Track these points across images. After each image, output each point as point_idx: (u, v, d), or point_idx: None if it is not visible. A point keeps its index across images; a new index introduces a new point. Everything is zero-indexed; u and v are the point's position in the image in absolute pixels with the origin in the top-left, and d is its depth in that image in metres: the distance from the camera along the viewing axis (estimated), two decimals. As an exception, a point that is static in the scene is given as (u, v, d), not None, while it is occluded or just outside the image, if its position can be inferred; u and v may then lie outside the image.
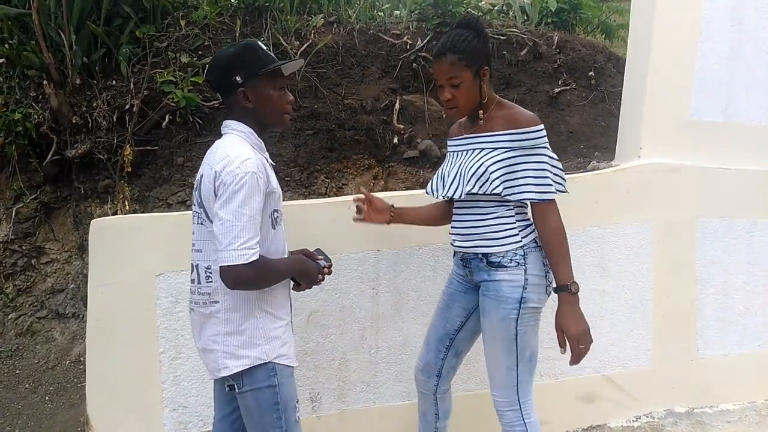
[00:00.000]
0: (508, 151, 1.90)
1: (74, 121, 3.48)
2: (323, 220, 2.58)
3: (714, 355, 2.97)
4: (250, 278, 1.63)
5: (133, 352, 2.45)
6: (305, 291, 1.97)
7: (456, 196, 1.98)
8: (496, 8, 4.84)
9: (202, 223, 1.75)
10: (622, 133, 3.11)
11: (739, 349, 2.99)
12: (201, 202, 1.74)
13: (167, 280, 2.46)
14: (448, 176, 2.03)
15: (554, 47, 4.58)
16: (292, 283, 1.90)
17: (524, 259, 1.94)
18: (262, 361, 1.70)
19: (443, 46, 1.92)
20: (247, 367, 1.70)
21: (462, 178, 1.96)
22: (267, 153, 1.85)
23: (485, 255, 1.98)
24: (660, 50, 2.92)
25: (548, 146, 1.94)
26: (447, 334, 2.16)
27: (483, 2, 4.84)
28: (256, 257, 1.61)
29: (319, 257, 1.93)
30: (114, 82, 3.62)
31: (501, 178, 1.89)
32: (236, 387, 1.72)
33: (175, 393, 2.48)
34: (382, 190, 3.79)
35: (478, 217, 1.99)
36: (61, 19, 3.46)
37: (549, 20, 4.98)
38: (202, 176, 1.74)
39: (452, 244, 2.11)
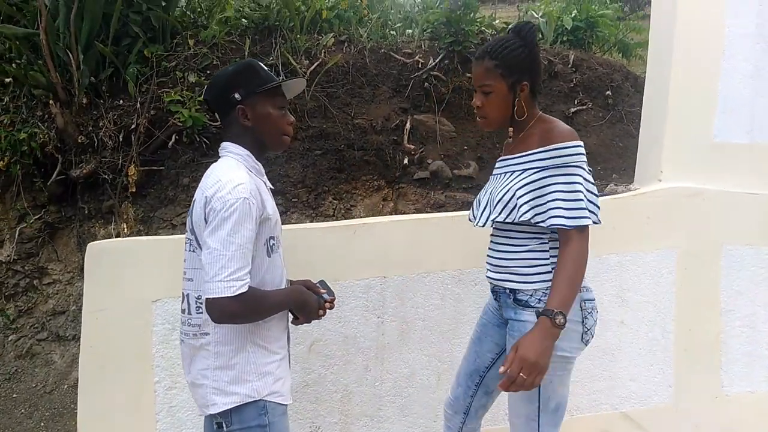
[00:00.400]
0: (538, 171, 1.70)
1: (80, 140, 3.44)
2: (327, 244, 2.48)
3: (740, 392, 2.79)
4: (236, 312, 1.53)
5: (127, 380, 2.36)
6: None
7: (486, 226, 1.82)
8: (510, 26, 4.75)
9: (193, 251, 1.66)
10: (641, 155, 2.98)
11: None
12: (192, 228, 1.65)
13: (164, 306, 2.37)
14: (482, 202, 1.87)
15: (570, 66, 4.47)
16: (291, 315, 1.79)
17: None
18: (253, 399, 1.60)
19: (484, 48, 1.78)
20: (237, 404, 1.59)
21: (491, 204, 1.80)
22: (266, 176, 1.77)
23: (512, 291, 1.79)
24: (681, 69, 2.80)
25: (584, 167, 1.70)
26: (477, 370, 1.98)
27: (497, 21, 4.76)
28: (244, 289, 1.51)
29: (322, 290, 1.82)
30: (121, 101, 3.58)
31: (530, 203, 1.69)
32: (224, 425, 1.62)
33: (170, 425, 2.38)
34: (391, 212, 3.69)
35: (509, 248, 1.80)
36: (69, 38, 3.44)
37: (564, 38, 4.88)
38: (194, 201, 1.66)
39: (486, 274, 1.94)
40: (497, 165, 1.90)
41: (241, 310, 1.53)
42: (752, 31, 2.82)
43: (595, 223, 1.71)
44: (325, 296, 1.80)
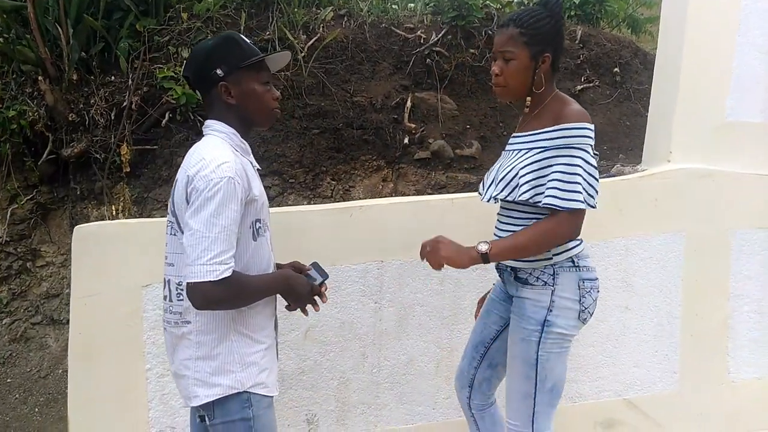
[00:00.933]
0: (543, 151, 1.69)
1: (70, 118, 3.34)
2: (323, 227, 2.40)
3: (747, 379, 2.73)
4: (219, 297, 1.45)
5: (117, 368, 2.30)
6: None
7: (490, 202, 1.83)
8: (515, 0, 4.59)
9: (174, 234, 1.58)
10: (650, 135, 2.87)
11: (776, 372, 2.75)
12: (174, 210, 1.57)
13: (155, 291, 2.29)
14: (488, 178, 1.88)
15: (577, 42, 4.33)
16: (283, 301, 1.71)
17: (553, 279, 1.75)
18: (236, 391, 1.53)
19: (509, 17, 1.76)
20: (219, 396, 1.53)
21: (495, 181, 1.80)
22: (252, 156, 1.68)
23: (513, 269, 1.82)
24: (694, 45, 2.68)
25: (589, 150, 1.68)
26: (482, 342, 2.00)
27: (502, -6, 4.58)
28: (228, 273, 1.43)
29: (308, 269, 1.74)
30: (113, 78, 3.47)
31: (531, 182, 1.69)
32: (207, 418, 1.56)
33: (162, 413, 2.32)
34: (391, 193, 3.60)
35: (510, 227, 1.81)
36: (59, 11, 3.32)
37: (572, 13, 4.71)
38: (176, 181, 1.57)
39: None
40: (510, 141, 1.88)
41: (225, 296, 1.45)
42: (769, 4, 2.69)
43: (590, 206, 1.69)
44: (318, 278, 1.71)
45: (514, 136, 1.87)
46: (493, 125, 3.96)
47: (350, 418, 2.46)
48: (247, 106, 1.60)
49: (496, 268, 1.95)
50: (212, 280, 1.41)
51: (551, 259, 1.75)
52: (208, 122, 1.63)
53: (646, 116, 3.00)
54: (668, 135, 2.70)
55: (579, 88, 4.14)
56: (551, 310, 1.74)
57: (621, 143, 3.95)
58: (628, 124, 4.10)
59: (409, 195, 3.56)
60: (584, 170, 1.65)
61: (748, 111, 2.71)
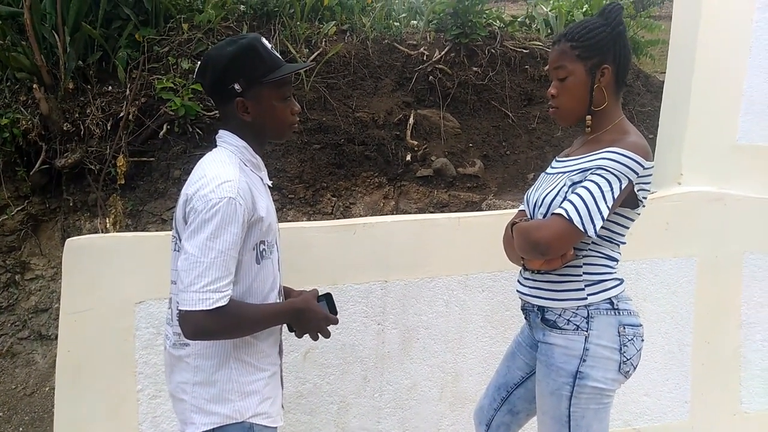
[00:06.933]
0: (581, 172, 1.54)
1: (65, 128, 3.25)
2: (325, 245, 2.32)
3: (760, 410, 2.66)
4: (212, 328, 1.36)
5: (107, 388, 2.19)
6: None
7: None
8: (518, 20, 4.57)
9: (177, 251, 1.49)
10: (659, 157, 2.82)
11: (790, 403, 2.67)
12: (176, 226, 1.49)
13: (148, 308, 2.20)
14: (531, 200, 1.69)
15: (580, 62, 4.30)
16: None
17: (587, 323, 1.55)
18: (235, 421, 1.44)
19: (561, 32, 1.63)
20: (217, 426, 1.44)
21: (536, 206, 1.63)
22: (265, 171, 1.59)
23: (540, 309, 1.65)
24: (704, 67, 2.65)
25: (623, 180, 1.48)
26: (505, 385, 1.84)
27: (505, 14, 4.58)
28: (222, 302, 1.34)
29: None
30: (110, 87, 3.40)
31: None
32: None
33: (153, 436, 2.21)
34: (392, 211, 3.53)
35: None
36: (56, 19, 3.25)
37: (574, 35, 4.70)
38: (180, 197, 1.49)
39: (516, 288, 1.77)
40: (553, 165, 1.73)
41: (217, 327, 1.36)
42: (780, 26, 2.67)
43: (580, 229, 1.48)
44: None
45: (560, 160, 1.70)
46: (496, 144, 3.91)
47: (350, 445, 2.35)
48: (264, 123, 1.50)
49: (522, 309, 1.77)
50: (204, 309, 1.32)
51: (586, 299, 1.57)
52: (220, 132, 1.54)
53: (651, 138, 2.95)
54: (678, 158, 2.66)
55: (582, 108, 4.11)
56: (585, 360, 1.54)
57: (625, 165, 3.90)
58: (632, 146, 4.06)
59: (410, 213, 3.49)
60: (601, 195, 1.46)
61: (759, 134, 2.67)
